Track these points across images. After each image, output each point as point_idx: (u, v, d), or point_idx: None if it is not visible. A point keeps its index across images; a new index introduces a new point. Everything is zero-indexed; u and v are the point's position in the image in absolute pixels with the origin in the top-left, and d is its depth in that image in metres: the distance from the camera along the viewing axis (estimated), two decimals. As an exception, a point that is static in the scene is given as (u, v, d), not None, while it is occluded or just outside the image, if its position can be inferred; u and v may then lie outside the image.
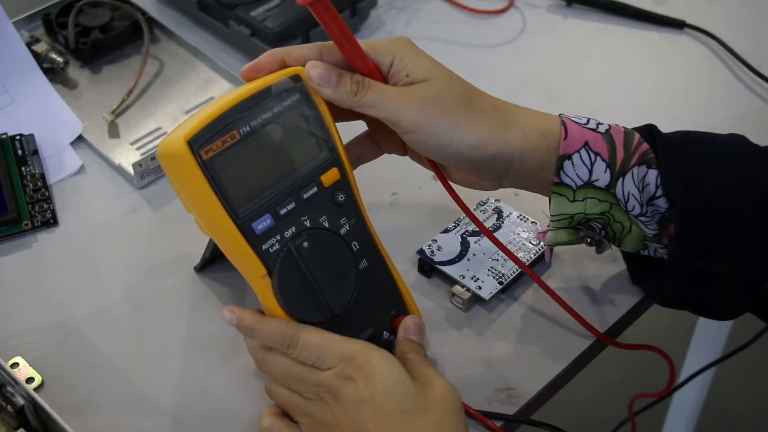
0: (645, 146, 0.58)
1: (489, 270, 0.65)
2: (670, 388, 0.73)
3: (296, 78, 0.56)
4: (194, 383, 0.61)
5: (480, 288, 0.64)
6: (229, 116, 0.53)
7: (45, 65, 0.80)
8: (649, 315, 0.71)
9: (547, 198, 0.60)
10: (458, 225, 0.68)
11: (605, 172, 0.58)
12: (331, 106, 0.57)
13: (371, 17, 0.87)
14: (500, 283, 0.64)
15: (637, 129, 0.60)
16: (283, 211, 0.55)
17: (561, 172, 0.58)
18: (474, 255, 0.66)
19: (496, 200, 0.70)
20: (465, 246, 0.67)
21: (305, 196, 0.56)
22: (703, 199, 0.56)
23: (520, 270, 0.65)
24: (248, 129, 0.54)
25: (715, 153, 0.59)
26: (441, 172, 0.60)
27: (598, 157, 0.58)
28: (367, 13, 0.86)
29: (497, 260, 0.66)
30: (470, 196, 0.69)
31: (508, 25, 0.89)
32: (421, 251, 0.66)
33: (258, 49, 0.81)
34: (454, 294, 0.65)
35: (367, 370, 0.52)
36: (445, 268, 0.65)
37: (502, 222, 0.68)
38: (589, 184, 0.58)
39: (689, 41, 0.88)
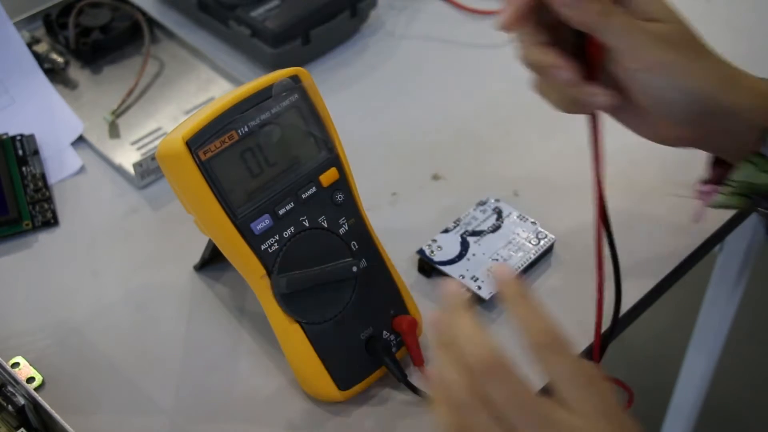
0: None
1: (489, 270, 0.65)
2: None
3: (296, 78, 0.56)
4: (194, 383, 0.61)
5: (480, 288, 0.64)
6: (228, 117, 0.54)
7: (46, 66, 0.80)
8: (649, 314, 0.71)
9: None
10: (458, 225, 0.68)
11: None
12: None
13: (371, 17, 0.87)
14: (500, 282, 0.64)
15: None
16: (281, 212, 0.55)
17: (764, 142, 0.54)
18: (474, 255, 0.66)
19: (495, 200, 0.70)
20: (465, 246, 0.67)
21: (304, 196, 0.56)
22: None
23: (520, 269, 0.65)
24: (247, 129, 0.54)
25: None
26: (598, 125, 0.55)
27: None
28: (367, 14, 0.86)
29: (497, 260, 0.66)
30: (470, 196, 0.70)
31: (508, 25, 0.89)
32: (421, 251, 0.67)
33: (258, 49, 0.81)
34: (453, 294, 0.65)
35: None
36: (445, 268, 0.65)
37: (502, 222, 0.68)
38: None
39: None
